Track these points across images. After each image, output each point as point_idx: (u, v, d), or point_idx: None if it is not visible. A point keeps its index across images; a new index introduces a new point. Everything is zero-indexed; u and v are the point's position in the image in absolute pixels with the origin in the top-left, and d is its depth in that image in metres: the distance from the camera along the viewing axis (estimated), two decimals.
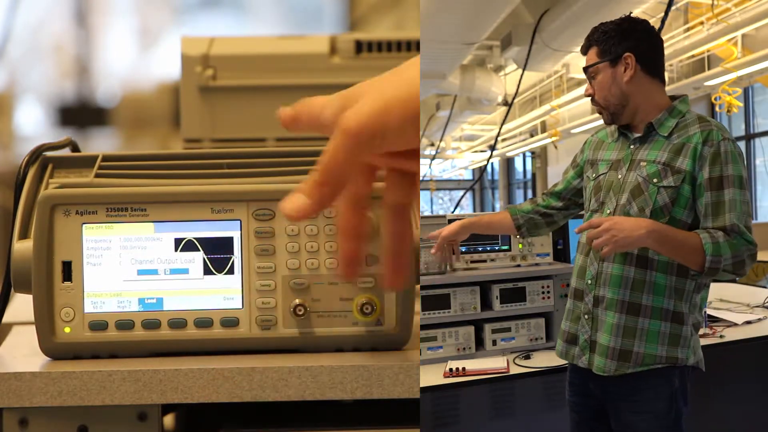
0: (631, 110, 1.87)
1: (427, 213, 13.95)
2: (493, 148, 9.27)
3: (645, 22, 1.90)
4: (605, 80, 1.86)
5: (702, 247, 1.71)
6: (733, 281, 6.27)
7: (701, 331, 2.59)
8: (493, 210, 17.56)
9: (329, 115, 1.11)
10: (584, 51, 1.91)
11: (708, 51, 7.33)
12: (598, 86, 1.87)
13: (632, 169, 1.84)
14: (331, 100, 1.13)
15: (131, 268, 1.24)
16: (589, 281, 1.86)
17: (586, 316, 1.86)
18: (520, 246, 2.62)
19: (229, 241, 1.25)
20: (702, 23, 6.81)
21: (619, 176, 1.86)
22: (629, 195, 1.82)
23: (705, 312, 1.90)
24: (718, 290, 3.50)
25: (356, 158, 1.08)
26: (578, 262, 1.91)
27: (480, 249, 2.65)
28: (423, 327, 2.41)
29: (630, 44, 1.85)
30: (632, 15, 1.93)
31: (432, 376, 2.27)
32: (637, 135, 1.87)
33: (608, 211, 1.84)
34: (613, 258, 1.81)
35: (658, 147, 1.83)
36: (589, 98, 1.90)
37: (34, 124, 6.73)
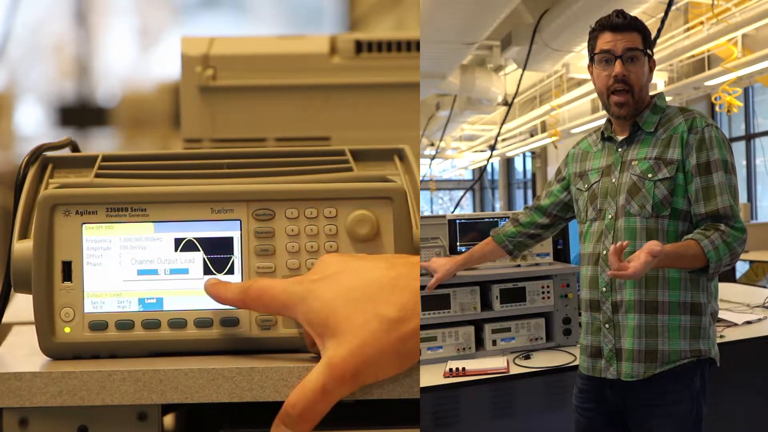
0: (642, 108, 1.88)
1: (427, 213, 13.95)
2: (493, 148, 9.27)
3: None
4: (644, 71, 1.86)
5: (704, 255, 1.72)
6: (733, 281, 6.27)
7: None
8: (493, 209, 17.57)
9: (287, 300, 1.15)
10: (621, 28, 1.84)
11: (708, 51, 7.33)
12: (638, 72, 1.84)
13: (624, 170, 1.85)
14: (293, 292, 1.16)
15: (131, 268, 1.24)
16: (604, 289, 1.85)
17: (606, 326, 1.85)
18: None
19: (229, 241, 1.25)
20: (702, 23, 6.81)
21: (613, 180, 1.86)
22: (627, 195, 1.82)
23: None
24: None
25: (341, 397, 1.12)
26: (587, 273, 1.90)
27: None
28: (423, 327, 2.41)
29: (653, 52, 1.89)
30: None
31: (432, 376, 2.27)
32: (622, 137, 1.88)
33: (609, 217, 1.85)
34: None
35: (647, 144, 1.84)
36: (614, 78, 1.83)
37: (34, 124, 6.73)
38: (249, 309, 1.22)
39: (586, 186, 1.93)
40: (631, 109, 1.85)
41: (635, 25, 1.85)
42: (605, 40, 1.85)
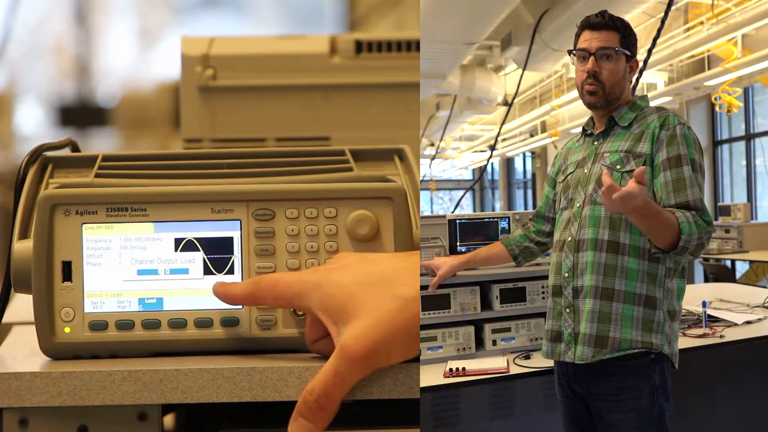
0: (616, 105, 1.93)
1: (427, 213, 13.94)
2: (493, 148, 9.27)
3: None
4: (618, 69, 1.90)
5: (678, 226, 1.72)
6: (733, 281, 6.26)
7: (701, 331, 2.59)
8: (493, 209, 17.56)
9: (302, 289, 1.15)
10: (599, 27, 1.91)
11: (708, 51, 7.33)
12: (611, 69, 1.89)
13: (597, 161, 1.91)
14: (308, 281, 1.15)
15: (131, 268, 1.24)
16: (566, 274, 1.89)
17: (567, 310, 1.89)
18: None
19: (229, 241, 1.25)
20: (702, 23, 6.81)
21: (585, 171, 1.93)
22: (595, 184, 1.88)
23: (681, 306, 1.92)
24: (718, 290, 3.50)
25: (357, 380, 1.12)
26: (553, 259, 1.96)
27: None
28: (423, 327, 2.41)
29: (635, 52, 1.93)
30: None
31: (432, 376, 2.27)
32: (599, 131, 1.94)
33: (578, 205, 1.91)
34: (586, 247, 1.85)
35: (621, 138, 1.90)
36: (587, 73, 1.89)
37: (34, 124, 6.73)
38: (259, 304, 1.21)
39: (562, 178, 2.00)
40: (601, 99, 1.90)
41: (614, 25, 1.91)
42: (584, 39, 1.93)
